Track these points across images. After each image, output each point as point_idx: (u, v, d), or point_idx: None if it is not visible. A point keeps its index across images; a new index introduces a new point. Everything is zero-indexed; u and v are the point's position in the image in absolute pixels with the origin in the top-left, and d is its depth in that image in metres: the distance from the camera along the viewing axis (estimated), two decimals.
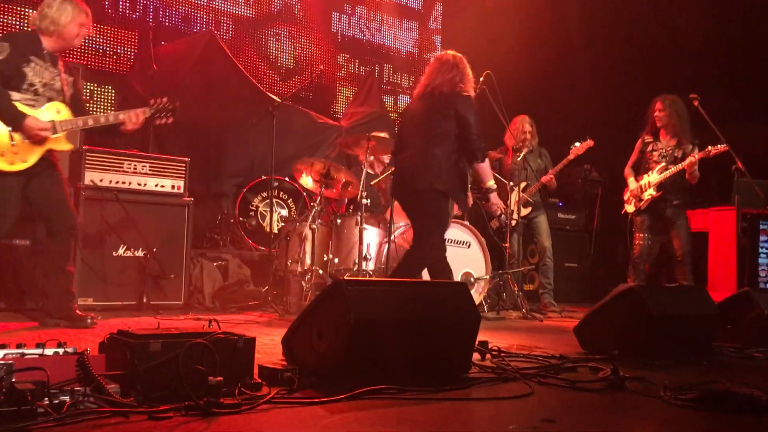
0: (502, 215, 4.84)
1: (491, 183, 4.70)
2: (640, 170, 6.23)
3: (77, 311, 4.35)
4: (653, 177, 6.05)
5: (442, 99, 4.54)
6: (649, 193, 6.04)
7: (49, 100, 4.21)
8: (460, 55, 4.73)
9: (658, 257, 6.38)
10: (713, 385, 2.66)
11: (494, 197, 4.78)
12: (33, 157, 4.20)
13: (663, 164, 6.01)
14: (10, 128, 4.06)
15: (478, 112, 4.57)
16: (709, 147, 5.83)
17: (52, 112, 4.19)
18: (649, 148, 6.17)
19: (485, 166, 4.63)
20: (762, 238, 6.61)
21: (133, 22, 7.48)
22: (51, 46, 4.25)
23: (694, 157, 5.81)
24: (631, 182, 6.25)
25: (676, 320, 3.67)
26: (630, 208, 6.23)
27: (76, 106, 4.36)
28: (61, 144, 4.30)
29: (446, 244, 5.92)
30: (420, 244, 4.57)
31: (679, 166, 5.88)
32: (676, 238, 5.97)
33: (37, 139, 4.12)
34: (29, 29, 4.33)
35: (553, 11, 9.26)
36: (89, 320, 4.25)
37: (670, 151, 6.03)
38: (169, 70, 6.86)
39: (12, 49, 4.07)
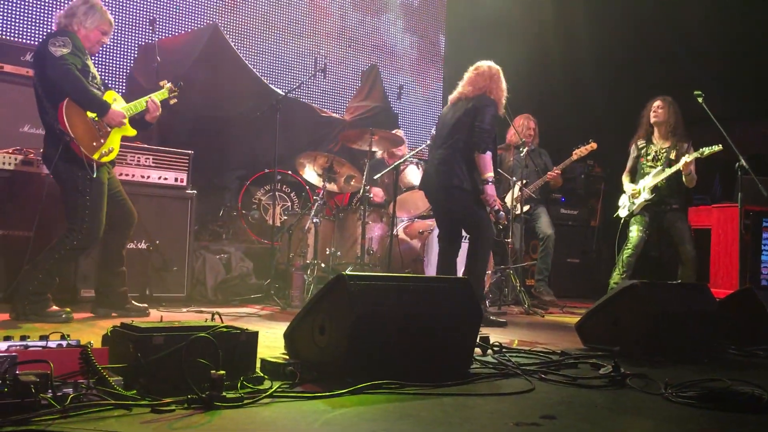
0: (500, 211, 4.89)
1: (489, 175, 4.82)
2: (636, 176, 6.15)
3: (134, 301, 4.54)
4: (648, 180, 5.97)
5: (468, 103, 4.88)
6: (644, 198, 5.96)
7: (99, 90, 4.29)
8: (496, 67, 4.97)
9: (643, 254, 6.31)
10: (714, 383, 2.67)
11: (490, 188, 4.87)
12: (116, 146, 4.31)
13: (659, 167, 5.93)
14: (99, 116, 4.13)
15: (495, 114, 4.86)
16: (703, 148, 5.75)
17: (113, 101, 4.28)
18: (643, 152, 6.10)
19: (486, 158, 4.80)
20: (765, 235, 6.60)
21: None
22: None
23: (688, 157, 5.74)
24: (626, 187, 6.16)
25: (677, 317, 3.67)
26: (623, 212, 6.16)
27: None
28: (129, 130, 4.39)
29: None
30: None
31: (674, 168, 5.81)
32: (681, 244, 5.87)
33: (119, 126, 4.24)
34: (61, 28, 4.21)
35: (557, 8, 9.24)
36: (63, 315, 4.09)
37: (665, 153, 5.96)
38: (173, 63, 6.84)
39: (73, 42, 4.08)
